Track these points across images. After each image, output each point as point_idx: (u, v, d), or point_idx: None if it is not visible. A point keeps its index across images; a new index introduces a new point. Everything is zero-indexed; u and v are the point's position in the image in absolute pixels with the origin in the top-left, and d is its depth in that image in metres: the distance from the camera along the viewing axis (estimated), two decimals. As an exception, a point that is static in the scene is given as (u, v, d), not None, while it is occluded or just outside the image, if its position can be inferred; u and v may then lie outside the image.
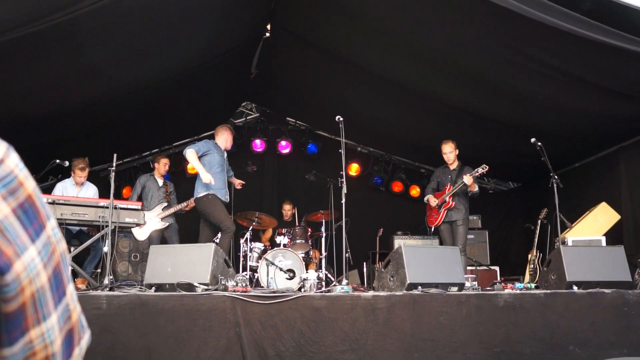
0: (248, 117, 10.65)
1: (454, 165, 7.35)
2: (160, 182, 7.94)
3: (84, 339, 0.78)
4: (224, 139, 7.10)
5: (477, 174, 6.98)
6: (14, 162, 0.69)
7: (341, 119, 5.97)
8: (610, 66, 5.71)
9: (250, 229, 7.81)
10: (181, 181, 9.30)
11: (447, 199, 7.16)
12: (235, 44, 7.08)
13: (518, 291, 5.22)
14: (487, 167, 6.98)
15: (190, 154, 6.66)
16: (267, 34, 7.35)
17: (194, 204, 7.56)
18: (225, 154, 7.15)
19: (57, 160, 6.26)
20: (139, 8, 5.17)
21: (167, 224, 7.64)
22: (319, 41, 7.11)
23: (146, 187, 7.83)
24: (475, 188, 7.10)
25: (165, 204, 7.72)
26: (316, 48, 7.23)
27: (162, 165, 7.96)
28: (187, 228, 8.43)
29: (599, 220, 7.34)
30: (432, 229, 7.54)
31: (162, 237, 7.62)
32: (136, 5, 5.09)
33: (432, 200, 7.35)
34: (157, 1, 5.25)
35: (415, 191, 10.88)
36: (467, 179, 6.93)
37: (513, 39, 5.63)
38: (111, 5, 4.72)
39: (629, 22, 5.13)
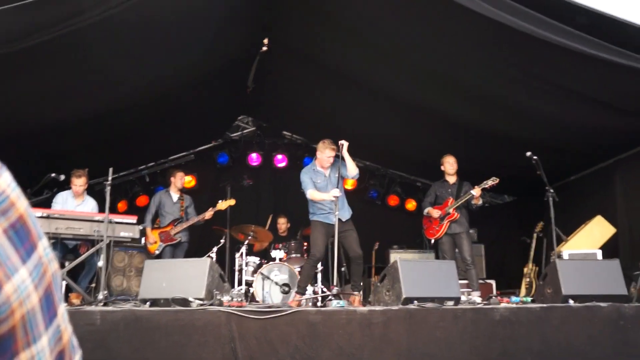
0: (244, 131, 10.66)
1: (453, 180, 7.26)
2: (176, 197, 7.85)
3: None
4: (319, 156, 6.55)
5: (486, 186, 6.88)
6: (5, 181, 0.69)
7: (343, 143, 6.06)
8: (606, 80, 5.75)
9: (245, 243, 7.79)
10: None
11: (450, 210, 7.00)
12: (232, 58, 7.11)
13: (514, 305, 5.22)
14: (497, 179, 6.86)
15: (310, 195, 6.37)
16: (265, 48, 7.38)
17: (210, 216, 7.57)
18: (329, 172, 6.56)
19: (53, 174, 6.22)
20: (134, 22, 5.20)
21: (179, 239, 7.55)
22: (315, 55, 7.14)
23: (161, 204, 7.76)
24: (480, 201, 7.04)
25: (178, 219, 7.64)
26: (312, 62, 7.26)
27: (179, 179, 7.89)
28: (189, 244, 8.39)
29: (595, 233, 7.35)
30: (432, 242, 7.36)
31: (173, 254, 7.55)
32: (132, 19, 5.11)
33: (435, 212, 7.14)
34: (153, 14, 5.28)
35: (411, 205, 10.87)
36: (477, 190, 6.82)
37: (508, 53, 5.67)
38: (106, 20, 4.74)
39: (623, 36, 5.17)
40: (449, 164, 7.23)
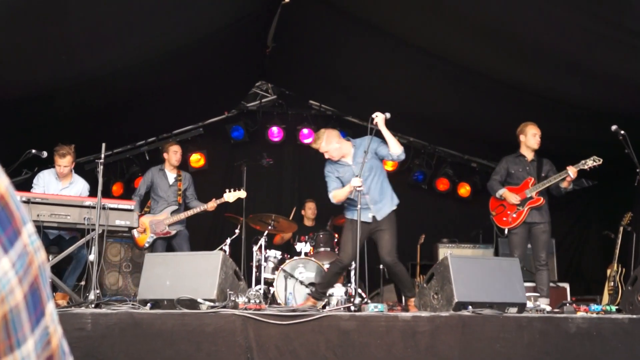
0: (263, 100, 10.66)
1: (531, 156, 7.00)
2: (172, 177, 7.72)
3: None
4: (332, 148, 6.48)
5: (585, 166, 6.66)
6: None
7: (377, 116, 5.90)
8: None
9: (265, 234, 7.81)
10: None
11: (533, 194, 6.77)
12: (248, 12, 7.08)
13: (594, 315, 5.16)
14: (600, 160, 6.63)
15: (333, 197, 6.37)
16: (287, -1, 7.34)
17: (213, 208, 7.53)
18: (352, 157, 6.49)
19: (34, 151, 6.24)
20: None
21: (174, 231, 7.50)
22: (349, 6, 7.07)
23: (154, 185, 7.66)
24: (570, 186, 6.86)
25: (175, 207, 7.57)
26: (346, 15, 7.19)
27: (172, 154, 7.71)
28: (197, 234, 8.41)
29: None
30: (506, 232, 6.95)
31: (168, 246, 7.52)
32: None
33: (513, 197, 6.80)
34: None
35: (464, 190, 10.77)
36: (573, 171, 6.58)
37: (589, 2, 5.54)
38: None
39: None
40: (533, 136, 6.94)
